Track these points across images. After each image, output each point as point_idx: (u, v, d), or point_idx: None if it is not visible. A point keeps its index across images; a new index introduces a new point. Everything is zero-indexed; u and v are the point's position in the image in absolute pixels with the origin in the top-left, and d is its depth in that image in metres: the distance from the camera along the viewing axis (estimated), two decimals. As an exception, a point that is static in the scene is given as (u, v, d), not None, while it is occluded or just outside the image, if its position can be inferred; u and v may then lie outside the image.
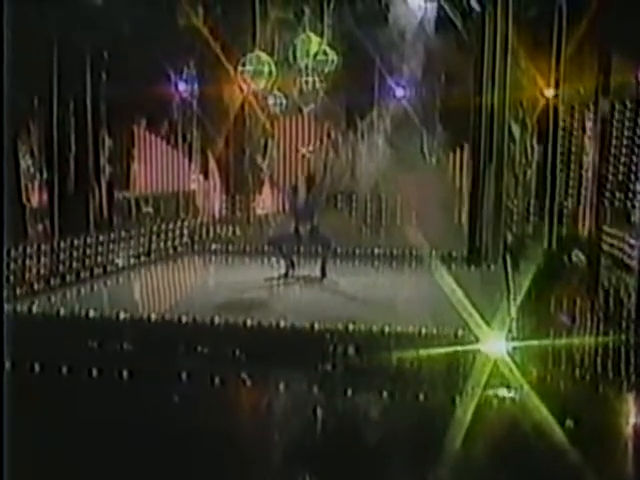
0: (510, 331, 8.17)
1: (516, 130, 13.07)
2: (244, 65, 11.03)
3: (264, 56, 11.04)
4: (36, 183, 12.22)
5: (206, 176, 14.34)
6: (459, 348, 7.91)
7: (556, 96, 12.91)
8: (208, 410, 6.69)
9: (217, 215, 14.43)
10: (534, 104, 13.01)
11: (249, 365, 7.82)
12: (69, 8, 11.41)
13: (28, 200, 12.08)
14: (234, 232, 14.17)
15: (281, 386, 7.30)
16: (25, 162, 12.05)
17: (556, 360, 8.00)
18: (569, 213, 13.07)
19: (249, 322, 8.40)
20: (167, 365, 7.65)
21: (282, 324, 8.39)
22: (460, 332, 8.06)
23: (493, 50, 8.05)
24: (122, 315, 8.62)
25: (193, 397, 7.01)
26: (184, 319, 8.57)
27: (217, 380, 7.41)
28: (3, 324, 5.98)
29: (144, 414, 6.39)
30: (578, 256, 12.40)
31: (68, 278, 11.07)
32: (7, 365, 6.68)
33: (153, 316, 8.74)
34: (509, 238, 12.96)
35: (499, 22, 9.22)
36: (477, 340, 7.95)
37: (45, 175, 12.28)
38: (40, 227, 12.23)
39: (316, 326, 8.35)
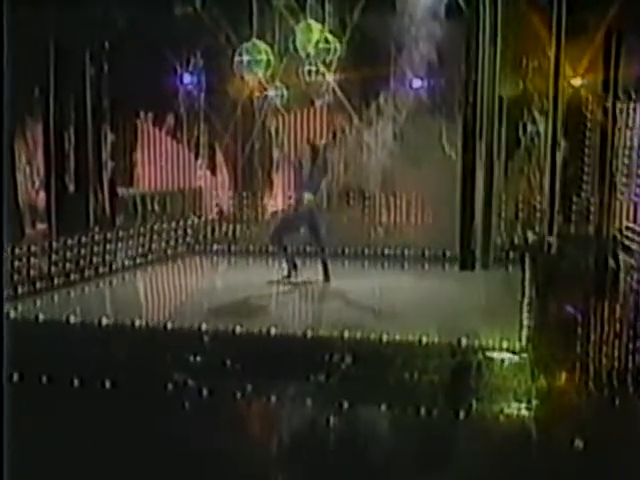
0: (520, 340, 7.48)
1: (540, 123, 12.46)
2: (240, 55, 10.39)
3: (262, 45, 10.40)
4: (33, 180, 11.82)
5: (213, 172, 13.77)
6: (465, 358, 7.31)
7: (582, 86, 12.33)
8: (197, 422, 6.13)
9: (224, 213, 13.85)
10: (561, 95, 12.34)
11: (241, 375, 7.18)
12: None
13: (25, 198, 11.69)
14: (242, 231, 13.60)
15: (272, 397, 6.67)
16: (22, 159, 11.66)
17: (573, 372, 7.33)
18: (596, 211, 12.38)
19: (241, 329, 7.83)
20: (157, 376, 7.07)
21: (275, 331, 7.80)
22: (467, 341, 7.39)
23: (486, 35, 7.36)
24: (110, 321, 8.16)
25: (182, 409, 6.44)
26: (174, 326, 8.09)
27: (205, 391, 6.76)
28: (3, 325, 5.60)
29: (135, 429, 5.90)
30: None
31: (65, 279, 10.62)
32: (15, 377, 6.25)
33: (144, 322, 8.28)
34: (530, 237, 12.37)
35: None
36: (485, 350, 7.30)
37: (43, 172, 11.90)
38: (39, 226, 11.87)
39: (310, 333, 7.77)
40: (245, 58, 10.36)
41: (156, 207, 13.32)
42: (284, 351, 7.64)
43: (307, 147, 10.80)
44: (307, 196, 10.45)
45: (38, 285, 10.14)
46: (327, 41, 10.40)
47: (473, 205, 7.49)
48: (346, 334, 7.62)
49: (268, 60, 10.41)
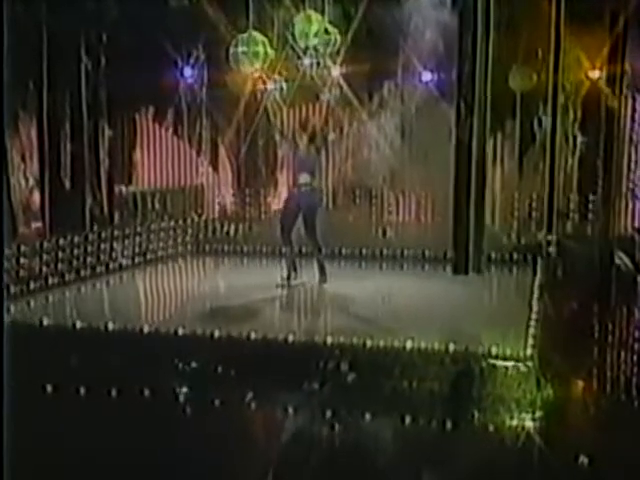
0: (525, 347, 6.99)
1: (557, 117, 11.98)
2: (235, 46, 9.93)
3: (258, 36, 9.93)
4: (26, 177, 11.50)
5: (215, 169, 13.36)
6: (466, 366, 6.85)
7: (600, 79, 11.82)
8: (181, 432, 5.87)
9: (226, 211, 13.45)
10: (577, 87, 11.92)
11: (230, 382, 6.94)
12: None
13: (18, 196, 11.36)
14: (243, 230, 13.18)
15: (264, 406, 6.44)
16: (15, 155, 11.33)
17: (582, 382, 6.95)
18: (615, 209, 11.87)
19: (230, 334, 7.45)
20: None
21: (268, 336, 7.38)
22: (468, 348, 6.96)
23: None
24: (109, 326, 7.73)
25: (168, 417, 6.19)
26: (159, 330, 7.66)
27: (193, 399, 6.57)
28: (3, 331, 5.32)
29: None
30: (622, 259, 11.16)
31: (55, 280, 10.26)
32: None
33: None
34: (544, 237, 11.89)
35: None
36: (487, 357, 6.83)
37: (37, 169, 11.57)
38: (33, 225, 11.56)
39: (303, 339, 7.41)
40: (240, 50, 9.89)
41: (157, 205, 12.95)
42: (274, 357, 7.25)
43: (302, 130, 10.23)
44: (303, 177, 9.97)
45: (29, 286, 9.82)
46: (327, 32, 9.88)
47: (468, 205, 7.02)
48: (340, 340, 7.22)
49: (265, 52, 9.93)
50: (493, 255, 11.28)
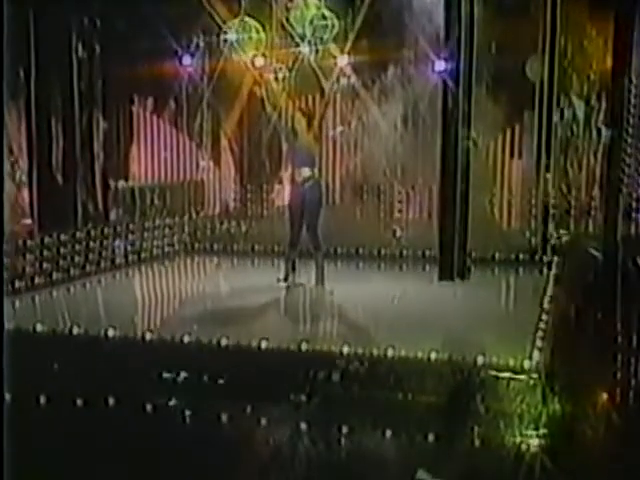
0: (531, 358, 6.40)
1: (580, 109, 11.33)
2: (227, 33, 9.38)
3: (251, 21, 9.37)
4: (15, 171, 11.08)
5: (216, 163, 12.84)
6: (468, 379, 6.30)
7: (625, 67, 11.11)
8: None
9: (229, 208, 12.94)
10: (602, 76, 11.31)
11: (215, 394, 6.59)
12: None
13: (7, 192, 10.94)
14: (247, 227, 12.66)
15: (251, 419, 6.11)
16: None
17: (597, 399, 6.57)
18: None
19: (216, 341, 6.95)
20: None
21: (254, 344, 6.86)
22: (470, 359, 6.39)
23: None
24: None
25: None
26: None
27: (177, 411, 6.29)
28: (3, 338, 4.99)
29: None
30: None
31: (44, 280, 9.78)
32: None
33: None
34: (563, 237, 11.23)
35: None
36: (490, 369, 6.29)
37: (27, 163, 11.15)
38: (23, 222, 11.15)
39: (292, 347, 6.84)
40: (233, 37, 9.34)
41: (156, 201, 12.46)
42: (262, 367, 6.76)
43: (300, 116, 9.58)
44: (304, 171, 9.41)
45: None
46: (324, 17, 9.29)
47: (455, 206, 6.39)
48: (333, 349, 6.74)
49: (258, 38, 9.37)
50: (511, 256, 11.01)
